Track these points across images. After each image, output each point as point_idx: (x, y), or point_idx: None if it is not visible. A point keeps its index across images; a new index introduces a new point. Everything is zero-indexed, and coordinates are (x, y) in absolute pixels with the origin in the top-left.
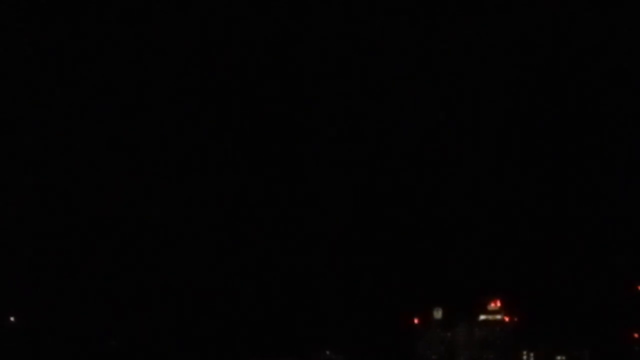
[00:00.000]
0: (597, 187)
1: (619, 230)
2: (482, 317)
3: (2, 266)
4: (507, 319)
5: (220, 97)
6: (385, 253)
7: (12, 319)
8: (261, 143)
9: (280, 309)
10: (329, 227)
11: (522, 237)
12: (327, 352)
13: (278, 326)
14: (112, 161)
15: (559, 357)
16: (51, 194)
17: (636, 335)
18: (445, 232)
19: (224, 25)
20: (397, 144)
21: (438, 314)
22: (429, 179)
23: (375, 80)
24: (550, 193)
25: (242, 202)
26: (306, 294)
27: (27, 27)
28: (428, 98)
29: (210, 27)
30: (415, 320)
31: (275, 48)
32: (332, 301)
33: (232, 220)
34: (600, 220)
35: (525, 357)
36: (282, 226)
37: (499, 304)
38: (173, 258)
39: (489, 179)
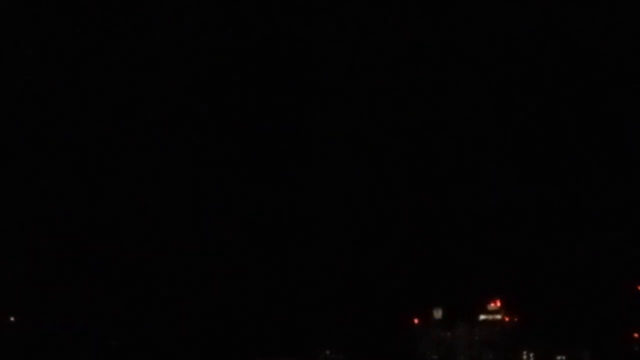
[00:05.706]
0: (596, 186)
1: (619, 230)
2: (482, 317)
3: (2, 266)
4: (507, 319)
5: (221, 97)
6: (385, 253)
7: (12, 319)
8: (261, 142)
9: (280, 309)
10: (329, 227)
11: (522, 237)
12: (327, 352)
13: (278, 326)
14: (113, 161)
15: (559, 357)
16: (51, 194)
17: (636, 335)
18: (445, 232)
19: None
20: (397, 145)
21: (438, 314)
22: (429, 179)
23: (376, 80)
24: (550, 193)
25: (242, 202)
26: (306, 293)
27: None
28: (426, 99)
29: (210, 27)
30: (415, 320)
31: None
32: (333, 301)
33: (231, 220)
34: (600, 220)
35: (525, 357)
36: (281, 226)
37: (499, 304)
38: (173, 258)
39: (489, 179)
